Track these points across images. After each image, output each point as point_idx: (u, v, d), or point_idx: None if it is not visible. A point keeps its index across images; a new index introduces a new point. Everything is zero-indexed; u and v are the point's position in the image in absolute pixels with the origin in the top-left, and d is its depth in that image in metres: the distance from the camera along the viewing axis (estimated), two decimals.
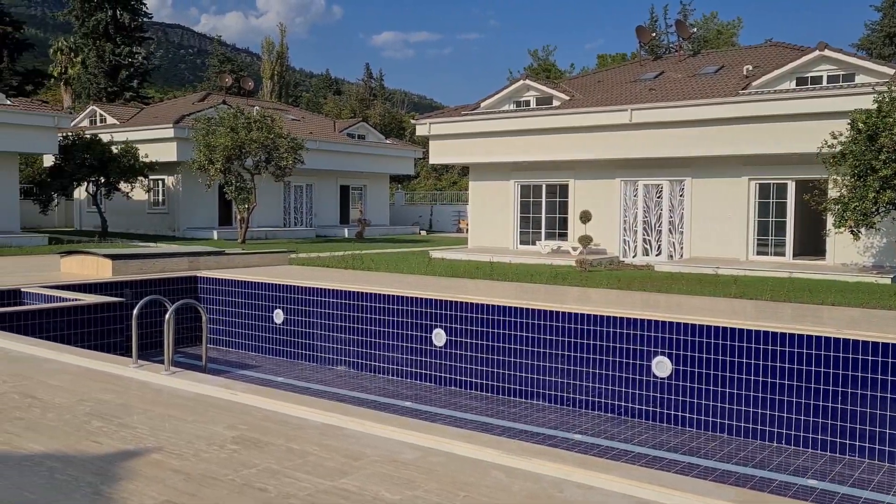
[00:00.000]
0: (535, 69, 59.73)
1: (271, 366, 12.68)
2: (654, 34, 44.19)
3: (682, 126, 20.57)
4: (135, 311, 6.75)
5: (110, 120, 35.08)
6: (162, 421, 5.06)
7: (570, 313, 9.98)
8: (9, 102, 25.29)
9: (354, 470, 4.12)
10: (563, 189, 24.23)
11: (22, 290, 12.10)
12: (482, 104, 25.35)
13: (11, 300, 11.97)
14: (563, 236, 24.13)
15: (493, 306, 10.72)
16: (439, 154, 25.95)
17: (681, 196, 21.95)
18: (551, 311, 10.15)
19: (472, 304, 10.92)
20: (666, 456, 8.17)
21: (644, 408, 9.40)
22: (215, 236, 29.67)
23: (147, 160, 29.10)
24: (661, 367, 9.23)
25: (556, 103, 23.96)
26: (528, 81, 25.24)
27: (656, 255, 22.28)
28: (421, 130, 26.15)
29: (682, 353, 9.08)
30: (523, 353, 10.43)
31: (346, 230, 35.50)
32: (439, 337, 11.25)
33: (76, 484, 3.93)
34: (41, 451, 4.45)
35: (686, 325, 9.02)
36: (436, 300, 11.27)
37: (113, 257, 13.86)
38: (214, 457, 4.34)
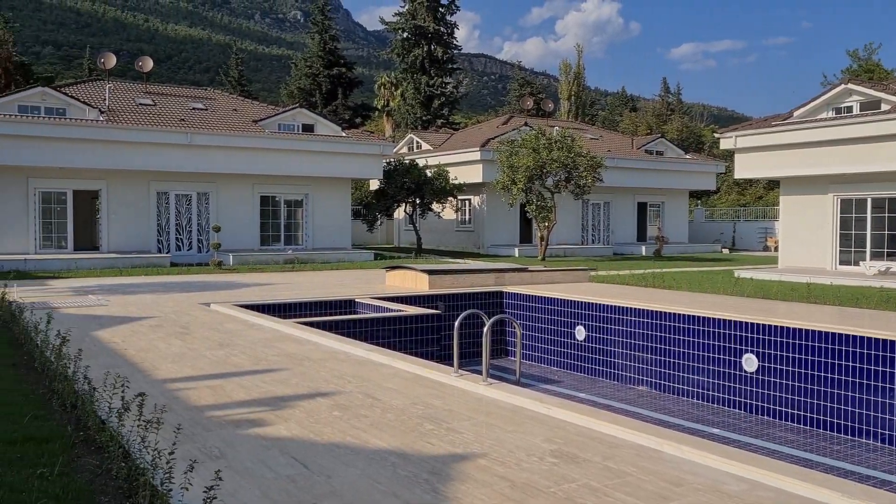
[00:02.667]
0: (856, 71, 53.72)
1: (572, 381, 12.88)
2: None
3: None
4: (456, 323, 7.30)
5: (425, 146, 38.26)
6: (484, 428, 5.43)
7: None
8: (344, 134, 28.75)
9: (676, 496, 4.07)
10: (893, 203, 21.47)
11: (356, 300, 13.67)
12: (795, 113, 23.43)
13: (347, 309, 13.59)
14: (893, 256, 21.36)
15: (814, 332, 9.86)
16: (746, 168, 24.44)
17: None
18: (885, 341, 9.08)
19: (788, 328, 10.15)
20: None
21: None
22: (516, 253, 30.87)
23: (456, 182, 31.24)
24: None
25: (884, 107, 21.36)
26: (850, 85, 22.83)
27: None
28: (725, 144, 24.85)
29: None
30: (849, 384, 9.45)
31: (643, 248, 34.87)
32: (750, 362, 10.62)
33: (415, 480, 4.37)
34: (384, 447, 5.02)
35: None
36: (747, 323, 10.66)
37: (429, 272, 15.09)
38: (535, 467, 4.57)
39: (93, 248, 25.37)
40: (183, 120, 25.71)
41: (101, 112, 24.39)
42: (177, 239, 26.11)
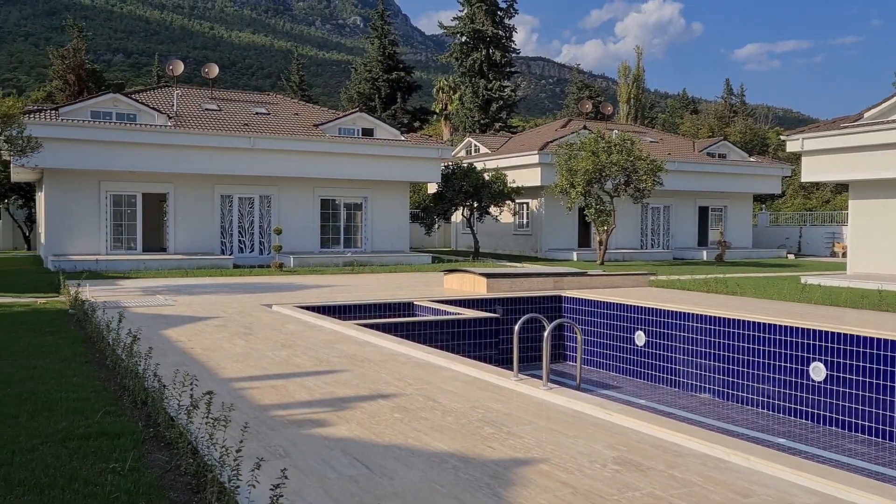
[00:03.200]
0: None
1: (632, 387, 12.69)
2: None
3: None
4: (516, 327, 7.27)
5: (483, 149, 38.27)
6: (545, 434, 5.40)
7: None
8: (402, 138, 28.97)
9: None
10: None
11: (414, 303, 13.75)
12: (865, 114, 22.67)
13: (406, 312, 13.67)
14: None
15: (886, 341, 9.51)
16: (814, 171, 23.74)
17: None
18: None
19: (858, 336, 9.81)
20: None
21: None
22: (574, 257, 30.61)
23: (514, 185, 31.15)
24: None
25: None
26: None
27: None
28: (792, 146, 24.20)
29: None
30: None
31: (703, 252, 34.17)
32: (818, 371, 10.30)
33: (477, 484, 4.37)
34: (445, 450, 5.03)
35: None
36: (815, 331, 10.34)
37: (487, 276, 15.07)
38: (598, 474, 4.52)
39: (160, 250, 26.12)
40: (246, 125, 26.28)
41: (170, 117, 25.12)
42: (239, 241, 26.68)
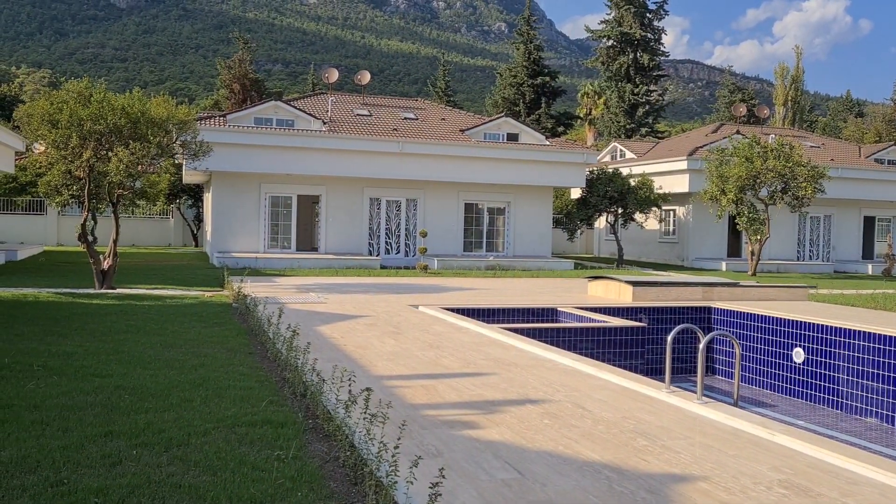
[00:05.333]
0: None
1: (788, 406, 12.00)
2: None
3: None
4: (669, 337, 7.06)
5: (629, 154, 37.41)
6: (702, 450, 5.20)
7: None
8: (547, 143, 28.83)
9: None
10: None
11: (558, 309, 13.64)
12: None
13: (549, 317, 13.59)
14: None
15: None
16: None
17: None
18: None
19: None
20: None
21: None
22: (723, 267, 29.30)
23: (661, 191, 30.22)
24: None
25: None
26: None
27: None
28: None
29: None
30: None
31: (868, 266, 31.72)
32: None
33: (633, 498, 4.27)
34: (597, 460, 4.95)
35: None
36: None
37: (633, 284, 14.72)
38: (763, 497, 4.30)
39: (311, 249, 27.35)
40: (395, 129, 27.04)
41: (324, 123, 26.27)
42: (386, 243, 27.48)
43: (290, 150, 25.02)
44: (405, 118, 29.37)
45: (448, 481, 4.36)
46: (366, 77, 32.43)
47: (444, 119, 30.20)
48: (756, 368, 13.37)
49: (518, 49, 61.13)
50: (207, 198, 27.91)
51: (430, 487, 3.77)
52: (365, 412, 5.09)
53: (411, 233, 27.60)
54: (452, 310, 12.85)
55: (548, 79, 59.64)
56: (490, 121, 29.43)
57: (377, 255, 26.58)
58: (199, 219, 37.65)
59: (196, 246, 36.90)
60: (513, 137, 28.68)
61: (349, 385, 5.87)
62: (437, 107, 34.45)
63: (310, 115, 26.43)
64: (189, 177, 29.65)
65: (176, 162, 27.23)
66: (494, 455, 4.98)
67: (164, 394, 6.48)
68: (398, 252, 27.55)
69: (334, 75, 31.53)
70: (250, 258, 23.20)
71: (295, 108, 26.58)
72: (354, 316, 11.92)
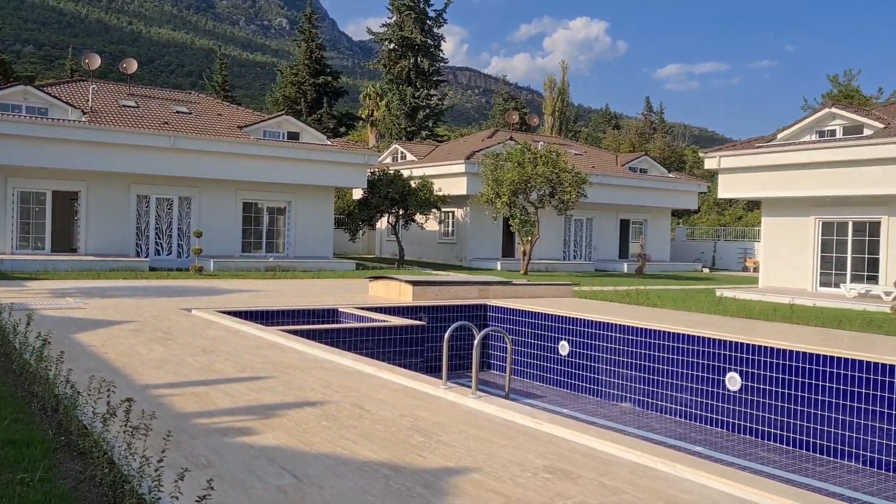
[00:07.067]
0: (836, 96, 54.52)
1: (555, 396, 12.83)
2: None
3: None
4: (446, 335, 7.23)
5: (410, 157, 38.24)
6: (476, 442, 5.36)
7: (891, 366, 8.89)
8: (329, 143, 28.65)
9: None
10: (874, 227, 21.76)
11: (339, 309, 13.55)
12: (779, 135, 23.72)
13: (330, 318, 13.47)
14: (873, 279, 21.62)
15: (796, 352, 9.90)
16: (729, 188, 24.67)
17: None
18: (867, 363, 9.13)
19: (771, 348, 10.18)
20: None
21: None
22: (498, 267, 30.86)
23: (440, 193, 31.21)
24: None
25: (867, 132, 21.68)
26: (834, 109, 23.16)
27: None
28: (709, 164, 25.09)
29: None
30: (832, 405, 9.48)
31: (625, 265, 35.02)
32: (733, 381, 10.63)
33: (409, 493, 4.29)
34: (375, 459, 4.93)
35: None
36: (731, 342, 10.68)
37: (414, 283, 15.00)
38: (530, 483, 4.50)
39: (70, 250, 25.02)
40: (166, 123, 25.49)
41: (84, 112, 24.12)
42: (156, 243, 25.82)
43: (44, 142, 22.69)
44: (178, 112, 27.79)
45: (218, 492, 4.11)
46: (133, 66, 30.30)
47: (220, 115, 28.98)
48: (527, 362, 14.16)
49: (300, 47, 60.30)
50: None
51: (197, 501, 3.52)
52: (126, 424, 4.66)
53: (185, 233, 26.18)
54: (229, 313, 12.31)
55: (330, 78, 59.40)
56: (270, 118, 28.71)
57: (146, 257, 24.89)
58: None
59: None
60: (293, 136, 28.18)
61: (108, 396, 5.36)
62: (213, 101, 33.00)
63: (67, 103, 24.16)
64: None
65: None
66: (270, 461, 4.78)
67: None
68: (170, 253, 26.01)
69: (96, 62, 29.10)
70: None
71: (49, 94, 24.17)
72: (118, 322, 11.03)
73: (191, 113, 28.08)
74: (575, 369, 13.16)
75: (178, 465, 4.45)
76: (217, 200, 26.73)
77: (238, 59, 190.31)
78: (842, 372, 9.40)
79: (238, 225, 27.28)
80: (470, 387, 7.00)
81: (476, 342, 6.92)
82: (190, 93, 34.98)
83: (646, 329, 11.86)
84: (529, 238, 28.06)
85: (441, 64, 62.55)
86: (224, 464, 4.71)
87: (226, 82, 65.02)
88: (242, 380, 7.23)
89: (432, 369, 11.65)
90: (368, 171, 29.90)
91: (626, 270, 34.23)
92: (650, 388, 11.81)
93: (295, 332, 10.54)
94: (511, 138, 34.87)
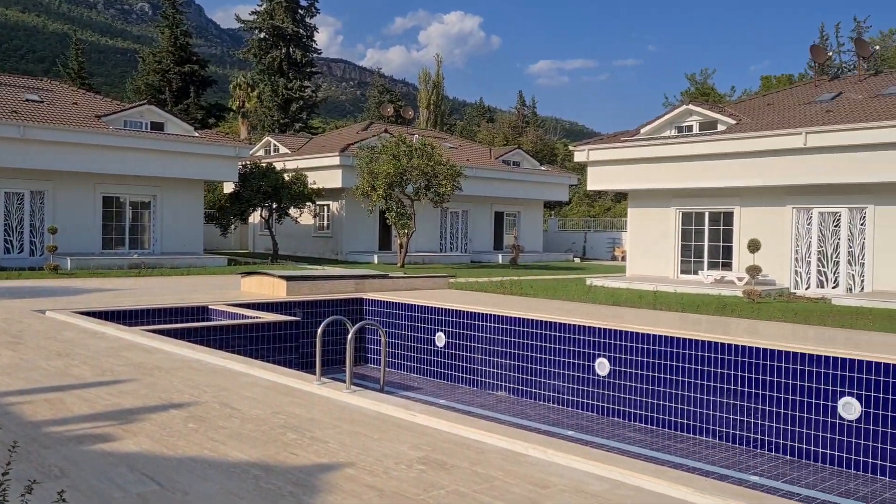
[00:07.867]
0: (693, 94, 57.92)
1: (432, 388, 12.92)
2: (829, 53, 41.82)
3: (865, 150, 19.21)
4: (319, 330, 7.10)
5: (283, 149, 37.41)
6: (350, 437, 5.29)
7: (742, 346, 9.51)
8: (196, 134, 27.57)
9: (544, 498, 4.11)
10: (728, 217, 23.24)
11: (209, 307, 13.07)
12: (642, 130, 24.87)
13: (200, 316, 12.96)
14: (727, 266, 23.10)
15: (658, 336, 10.41)
16: (597, 180, 25.65)
17: (862, 225, 20.44)
18: (721, 344, 9.73)
19: (636, 333, 10.66)
20: None
21: (829, 452, 8.76)
22: (375, 260, 30.76)
23: (315, 187, 30.72)
24: (849, 408, 8.58)
25: (720, 128, 23.09)
26: (691, 106, 24.51)
27: (833, 288, 20.82)
28: (579, 157, 25.98)
29: (874, 394, 8.40)
30: (690, 386, 10.04)
31: (499, 256, 35.75)
32: (603, 366, 11.06)
33: (280, 493, 4.17)
34: (245, 460, 4.76)
35: (881, 364, 8.34)
36: (599, 328, 11.10)
37: (287, 278, 14.69)
38: (404, 475, 4.48)
39: None
40: (15, 112, 23.72)
41: None
42: (6, 241, 24.04)
43: None
44: (28, 100, 25.94)
45: (74, 503, 3.84)
46: None
47: (76, 103, 27.28)
48: (405, 354, 14.18)
49: (163, 33, 57.72)
50: None
51: None
52: None
53: (38, 229, 24.51)
54: (87, 313, 11.61)
55: (197, 67, 57.22)
56: (132, 107, 27.31)
57: None
58: None
59: None
60: (158, 127, 26.93)
61: None
62: (68, 89, 31.01)
63: None
64: None
65: None
66: (130, 468, 4.52)
67: None
68: (22, 251, 24.29)
69: None
70: None
71: None
72: None
73: (43, 101, 26.26)
74: (451, 360, 13.29)
75: (27, 478, 4.12)
76: (74, 194, 25.17)
77: (96, 45, 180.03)
78: (699, 353, 9.97)
79: (98, 220, 25.80)
80: (345, 381, 6.91)
81: (350, 336, 6.83)
82: (42, 80, 32.70)
83: (519, 318, 12.13)
84: (406, 231, 28.11)
85: (314, 55, 61.60)
86: (80, 473, 4.41)
87: (82, 69, 61.32)
88: (101, 384, 6.83)
89: (307, 365, 11.45)
90: (240, 163, 29.03)
91: (500, 261, 34.95)
92: (524, 377, 12.09)
93: (161, 332, 10.08)
94: (386, 131, 34.79)
